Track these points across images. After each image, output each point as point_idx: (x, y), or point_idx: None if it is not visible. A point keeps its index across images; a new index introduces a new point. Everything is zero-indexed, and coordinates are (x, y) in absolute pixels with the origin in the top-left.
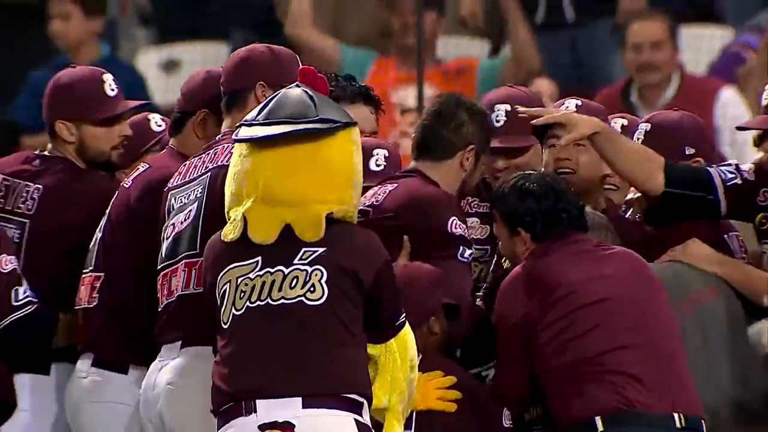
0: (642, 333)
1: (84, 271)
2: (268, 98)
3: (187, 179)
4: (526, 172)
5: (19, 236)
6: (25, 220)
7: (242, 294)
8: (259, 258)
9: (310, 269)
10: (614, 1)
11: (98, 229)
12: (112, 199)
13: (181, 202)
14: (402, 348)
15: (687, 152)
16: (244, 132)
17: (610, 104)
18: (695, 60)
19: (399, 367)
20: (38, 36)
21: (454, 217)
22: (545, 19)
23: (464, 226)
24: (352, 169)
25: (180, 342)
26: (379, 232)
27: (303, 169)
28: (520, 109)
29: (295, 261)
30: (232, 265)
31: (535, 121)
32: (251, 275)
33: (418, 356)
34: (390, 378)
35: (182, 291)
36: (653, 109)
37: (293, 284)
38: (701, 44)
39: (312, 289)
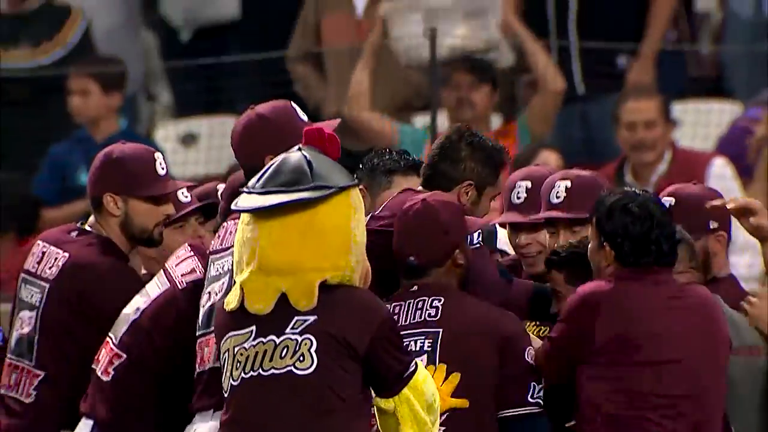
0: (684, 400)
1: (110, 334)
2: (268, 164)
3: (224, 245)
4: (638, 191)
5: (39, 300)
6: (46, 284)
7: (238, 364)
8: (254, 327)
9: (300, 338)
10: (622, 76)
11: (133, 301)
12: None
13: (217, 270)
14: (416, 393)
15: (711, 226)
16: (243, 201)
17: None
18: (704, 134)
19: (417, 407)
20: (58, 110)
21: None
22: None
23: None
24: (348, 234)
25: (212, 409)
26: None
27: (296, 238)
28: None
29: (287, 330)
30: (230, 334)
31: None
32: (246, 345)
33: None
34: (413, 420)
35: (213, 364)
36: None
37: (283, 354)
38: (710, 119)
39: (301, 358)
